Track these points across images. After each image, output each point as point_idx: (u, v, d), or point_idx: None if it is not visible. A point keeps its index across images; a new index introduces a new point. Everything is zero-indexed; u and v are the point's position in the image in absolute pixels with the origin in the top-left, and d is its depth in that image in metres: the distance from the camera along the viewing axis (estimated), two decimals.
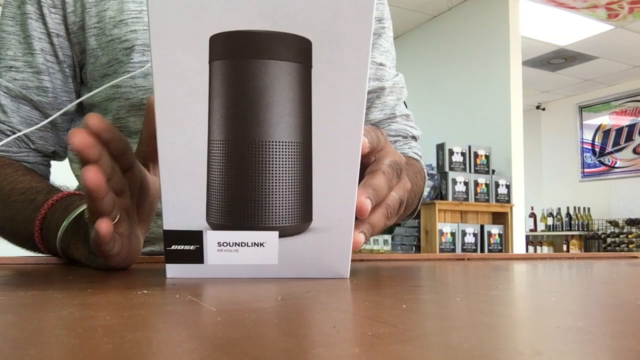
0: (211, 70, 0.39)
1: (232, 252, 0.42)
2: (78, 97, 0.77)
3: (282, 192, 0.41)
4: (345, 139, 0.41)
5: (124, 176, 0.44)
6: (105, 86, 0.67)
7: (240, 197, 0.41)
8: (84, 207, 0.54)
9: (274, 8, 0.37)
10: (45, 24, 0.72)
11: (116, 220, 0.44)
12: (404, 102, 0.90)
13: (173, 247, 0.41)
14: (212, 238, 0.41)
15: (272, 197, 0.41)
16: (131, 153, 0.45)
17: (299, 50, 0.39)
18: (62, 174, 0.74)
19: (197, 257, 0.42)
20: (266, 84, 0.40)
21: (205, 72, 0.39)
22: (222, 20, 0.37)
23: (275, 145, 0.41)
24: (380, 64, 0.85)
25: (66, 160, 0.81)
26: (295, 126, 0.41)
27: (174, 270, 0.42)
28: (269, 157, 0.41)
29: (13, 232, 0.64)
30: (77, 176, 0.79)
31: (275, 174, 0.41)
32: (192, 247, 0.41)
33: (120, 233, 0.45)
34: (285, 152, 0.41)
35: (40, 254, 0.63)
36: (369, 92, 0.84)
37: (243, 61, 0.39)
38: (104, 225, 0.40)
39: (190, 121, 0.39)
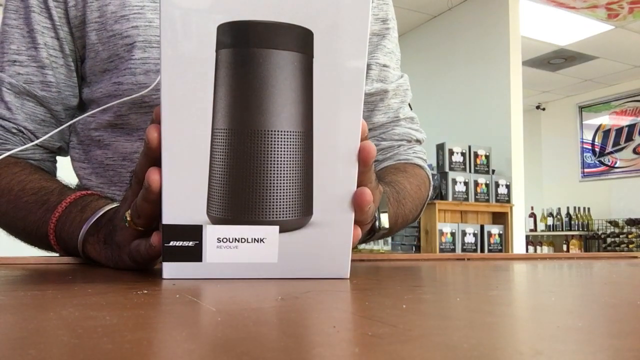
0: (217, 59, 0.39)
1: (231, 249, 0.41)
2: (80, 91, 0.77)
3: (284, 183, 0.41)
4: (345, 130, 0.41)
5: None
6: (115, 103, 0.67)
7: (242, 188, 0.41)
8: (108, 207, 0.55)
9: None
10: (50, 17, 0.72)
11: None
12: (409, 104, 0.89)
13: (172, 243, 0.41)
14: (212, 233, 0.41)
15: (274, 189, 0.41)
16: None
17: (301, 41, 0.40)
18: (63, 175, 0.74)
19: (195, 254, 0.41)
20: (270, 72, 0.40)
21: (211, 60, 0.39)
22: (229, 10, 0.38)
23: (278, 134, 0.41)
24: (384, 66, 0.85)
25: (68, 160, 0.81)
26: (297, 115, 0.41)
27: (171, 271, 0.41)
28: (271, 147, 0.41)
29: (25, 233, 0.64)
30: (78, 175, 0.79)
31: (278, 164, 0.41)
32: (190, 244, 0.41)
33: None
34: (287, 141, 0.41)
35: (53, 254, 0.63)
36: (372, 95, 0.83)
37: (248, 50, 0.40)
38: (157, 239, 0.42)
39: (196, 110, 0.39)
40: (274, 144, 0.41)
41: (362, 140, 0.42)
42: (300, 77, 0.40)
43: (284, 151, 0.41)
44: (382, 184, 0.67)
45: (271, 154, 0.41)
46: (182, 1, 0.38)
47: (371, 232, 0.59)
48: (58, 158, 0.81)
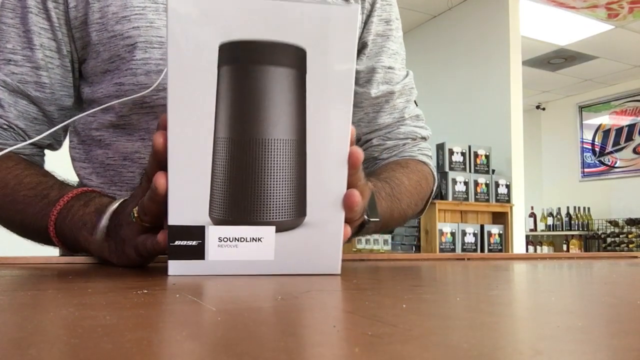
0: (219, 75, 0.43)
1: (231, 248, 0.45)
2: (76, 91, 0.78)
3: (280, 187, 0.45)
4: (335, 137, 0.45)
5: None
6: (115, 103, 0.68)
7: (241, 192, 0.44)
8: (116, 204, 0.56)
9: (275, 21, 0.43)
10: (48, 18, 0.72)
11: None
12: (414, 101, 0.90)
13: (176, 242, 0.44)
14: (214, 233, 0.44)
15: (271, 192, 0.45)
16: None
17: (295, 58, 0.44)
18: (62, 174, 0.74)
19: (198, 252, 0.44)
20: (267, 86, 0.44)
21: (214, 76, 0.43)
22: (230, 31, 0.42)
23: (274, 142, 0.44)
24: (389, 68, 0.86)
25: (68, 159, 0.81)
26: (291, 125, 0.44)
27: (175, 268, 0.44)
28: (268, 153, 0.44)
29: (23, 225, 0.65)
30: (79, 175, 0.80)
31: (274, 169, 0.45)
32: (194, 243, 0.44)
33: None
34: (282, 148, 0.44)
35: (52, 254, 0.63)
36: (378, 97, 0.85)
37: (247, 66, 0.44)
38: (163, 237, 0.45)
39: (199, 120, 0.43)
40: (270, 151, 0.44)
41: (350, 144, 0.46)
42: (294, 91, 0.44)
43: (279, 157, 0.45)
44: (376, 180, 0.70)
45: (268, 160, 0.44)
46: (188, 22, 0.42)
47: (361, 226, 0.60)
48: (59, 158, 0.81)
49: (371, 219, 0.58)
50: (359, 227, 0.60)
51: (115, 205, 0.56)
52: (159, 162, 0.44)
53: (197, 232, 0.44)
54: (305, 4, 0.43)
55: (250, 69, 0.43)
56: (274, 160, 0.44)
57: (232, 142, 0.44)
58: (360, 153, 0.46)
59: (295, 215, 0.45)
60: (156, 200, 0.45)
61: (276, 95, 0.44)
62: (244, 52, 0.43)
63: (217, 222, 0.44)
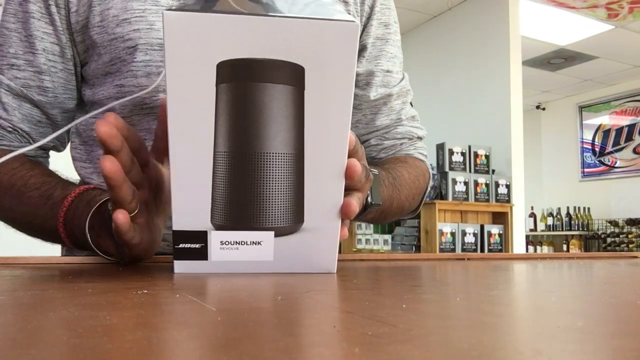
0: (217, 92, 0.44)
1: (233, 250, 0.47)
2: (79, 93, 0.78)
3: (278, 196, 0.47)
4: (332, 150, 0.46)
5: (142, 171, 0.50)
6: (128, 99, 0.68)
7: (241, 201, 0.46)
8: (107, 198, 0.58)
9: (272, 39, 0.43)
10: (52, 22, 0.73)
11: (136, 211, 0.49)
12: (410, 102, 0.92)
13: (181, 245, 0.46)
14: (216, 237, 0.47)
15: (269, 201, 0.47)
16: (146, 150, 0.51)
17: (293, 75, 0.44)
18: (63, 172, 0.74)
19: (202, 254, 0.47)
20: (265, 103, 0.45)
21: (212, 93, 0.44)
22: (227, 49, 0.43)
23: (272, 156, 0.46)
24: (387, 71, 0.87)
25: (69, 158, 0.81)
26: (289, 140, 0.46)
27: (180, 267, 0.47)
28: (267, 166, 0.46)
29: (32, 227, 0.67)
30: (80, 175, 0.80)
31: (272, 180, 0.46)
32: (197, 246, 0.47)
33: (140, 223, 0.50)
34: (281, 161, 0.46)
35: (53, 254, 0.64)
36: (376, 100, 0.86)
37: (245, 84, 0.44)
38: (120, 216, 0.46)
39: (199, 135, 0.44)
40: (269, 164, 0.46)
41: (350, 148, 0.47)
42: (291, 107, 0.45)
43: (278, 170, 0.46)
44: (380, 169, 0.72)
45: (266, 173, 0.46)
46: (186, 42, 0.42)
47: (363, 210, 0.60)
48: (59, 157, 0.82)
49: (373, 203, 0.59)
50: (360, 211, 0.61)
51: (101, 201, 0.58)
52: (110, 186, 0.46)
53: (200, 237, 0.46)
54: (304, 19, 0.42)
55: (248, 86, 0.44)
56: (272, 173, 0.46)
57: (231, 156, 0.45)
58: (357, 167, 0.48)
59: (293, 222, 0.47)
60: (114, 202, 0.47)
61: (274, 111, 0.45)
62: (242, 70, 0.43)
63: (219, 228, 0.46)
